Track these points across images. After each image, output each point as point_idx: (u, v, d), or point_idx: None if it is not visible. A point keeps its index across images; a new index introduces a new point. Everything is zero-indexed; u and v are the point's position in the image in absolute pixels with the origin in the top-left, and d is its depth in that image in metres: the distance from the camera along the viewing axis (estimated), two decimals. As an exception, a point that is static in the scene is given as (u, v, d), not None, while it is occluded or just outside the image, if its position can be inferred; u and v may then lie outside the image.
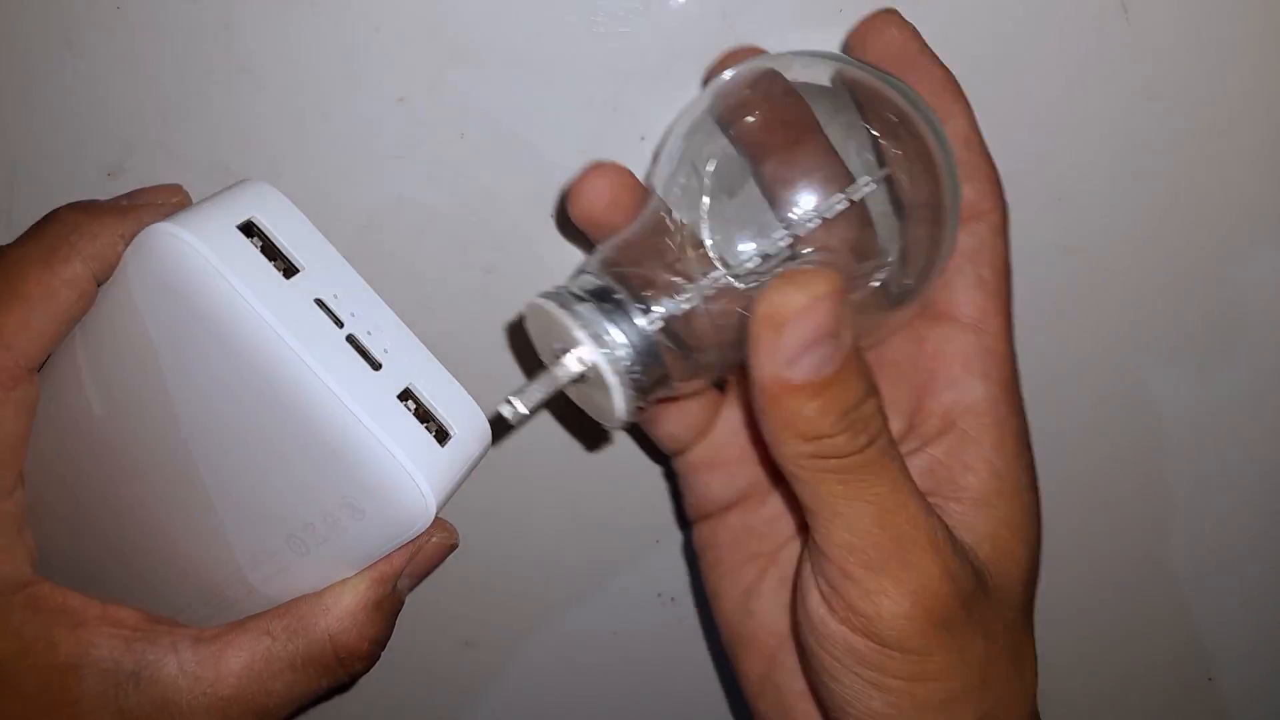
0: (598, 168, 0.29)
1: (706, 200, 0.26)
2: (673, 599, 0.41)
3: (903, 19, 0.29)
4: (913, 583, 0.24)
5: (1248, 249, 0.39)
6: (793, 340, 0.22)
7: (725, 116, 0.27)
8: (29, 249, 0.25)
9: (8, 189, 0.37)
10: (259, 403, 0.23)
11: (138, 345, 0.24)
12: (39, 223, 0.26)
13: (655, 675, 0.44)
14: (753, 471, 0.32)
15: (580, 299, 0.25)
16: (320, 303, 0.24)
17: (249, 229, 0.24)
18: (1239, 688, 0.43)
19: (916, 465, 0.26)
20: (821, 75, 0.27)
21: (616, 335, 0.24)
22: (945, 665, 0.24)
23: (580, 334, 0.24)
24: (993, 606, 0.26)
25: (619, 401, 0.25)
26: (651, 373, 0.25)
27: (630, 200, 0.29)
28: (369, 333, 0.24)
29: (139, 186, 0.37)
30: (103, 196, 0.37)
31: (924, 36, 0.36)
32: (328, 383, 0.23)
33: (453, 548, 0.28)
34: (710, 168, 0.27)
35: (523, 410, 0.25)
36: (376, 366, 0.24)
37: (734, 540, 0.32)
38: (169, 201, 0.27)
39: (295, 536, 0.25)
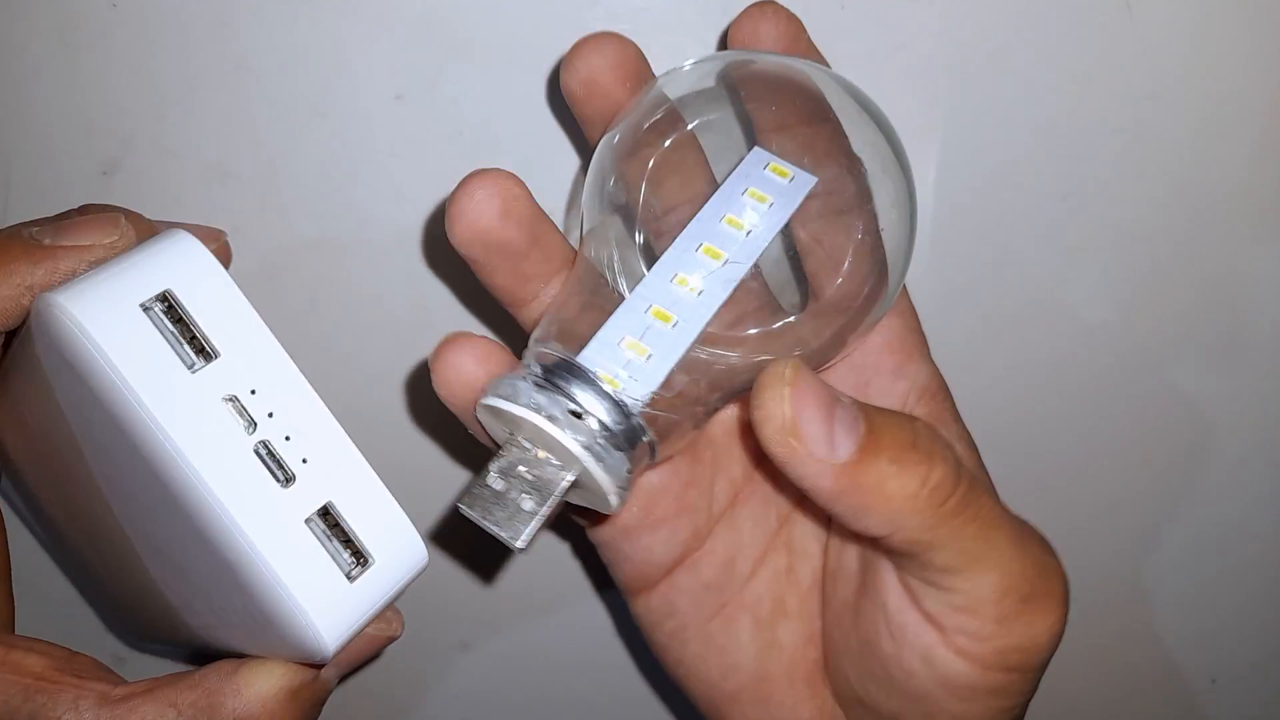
0: (479, 175, 0.26)
1: (640, 240, 0.26)
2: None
3: (783, 9, 0.28)
4: (1054, 591, 0.24)
5: (1253, 247, 0.39)
6: (814, 431, 0.21)
7: (627, 166, 0.26)
8: None
9: (3, 188, 0.37)
10: (158, 496, 0.21)
11: (51, 403, 0.23)
12: None
13: (655, 677, 0.44)
14: (692, 517, 0.29)
15: (552, 390, 0.22)
16: (234, 399, 0.21)
17: (164, 299, 0.21)
18: (1242, 691, 0.43)
19: None
20: (708, 79, 0.27)
21: (605, 442, 0.22)
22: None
23: (577, 449, 0.22)
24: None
25: (614, 500, 0.23)
26: (638, 455, 0.23)
27: (525, 212, 0.26)
28: (288, 437, 0.21)
29: (135, 184, 0.37)
30: (99, 196, 0.37)
31: (927, 35, 0.35)
32: (222, 502, 0.20)
33: (391, 639, 0.26)
34: (637, 211, 0.26)
35: (522, 546, 0.22)
36: (289, 480, 0.21)
37: (695, 602, 0.30)
38: (101, 243, 0.24)
39: (217, 610, 0.24)
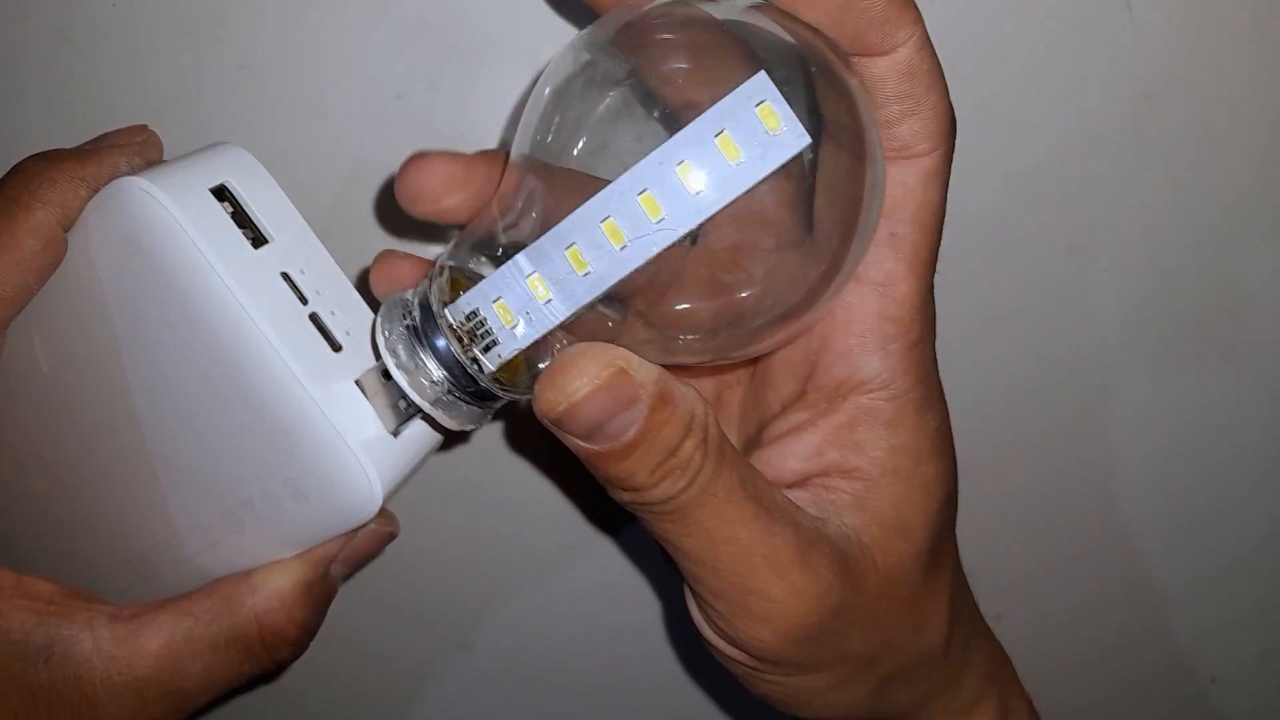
0: (413, 162, 0.26)
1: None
2: (673, 600, 0.41)
3: None
4: (761, 610, 0.23)
5: (1252, 247, 0.39)
6: (580, 426, 0.21)
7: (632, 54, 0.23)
8: None
9: (4, 187, 0.37)
10: (212, 370, 0.23)
11: (91, 300, 0.23)
12: (7, 174, 0.25)
13: (656, 677, 0.44)
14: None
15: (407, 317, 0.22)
16: (286, 277, 0.23)
17: (220, 193, 0.23)
18: (1242, 690, 0.43)
19: (807, 442, 0.25)
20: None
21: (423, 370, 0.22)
22: (822, 664, 0.25)
23: (423, 404, 0.23)
24: (870, 595, 0.24)
25: (461, 428, 0.23)
26: (487, 404, 0.23)
27: (467, 180, 0.25)
28: (333, 312, 0.24)
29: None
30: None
31: (928, 36, 0.35)
32: (286, 359, 0.22)
33: (392, 536, 0.27)
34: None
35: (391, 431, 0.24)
36: (337, 348, 0.23)
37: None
38: (133, 141, 0.25)
39: (232, 513, 0.25)
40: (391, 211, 0.37)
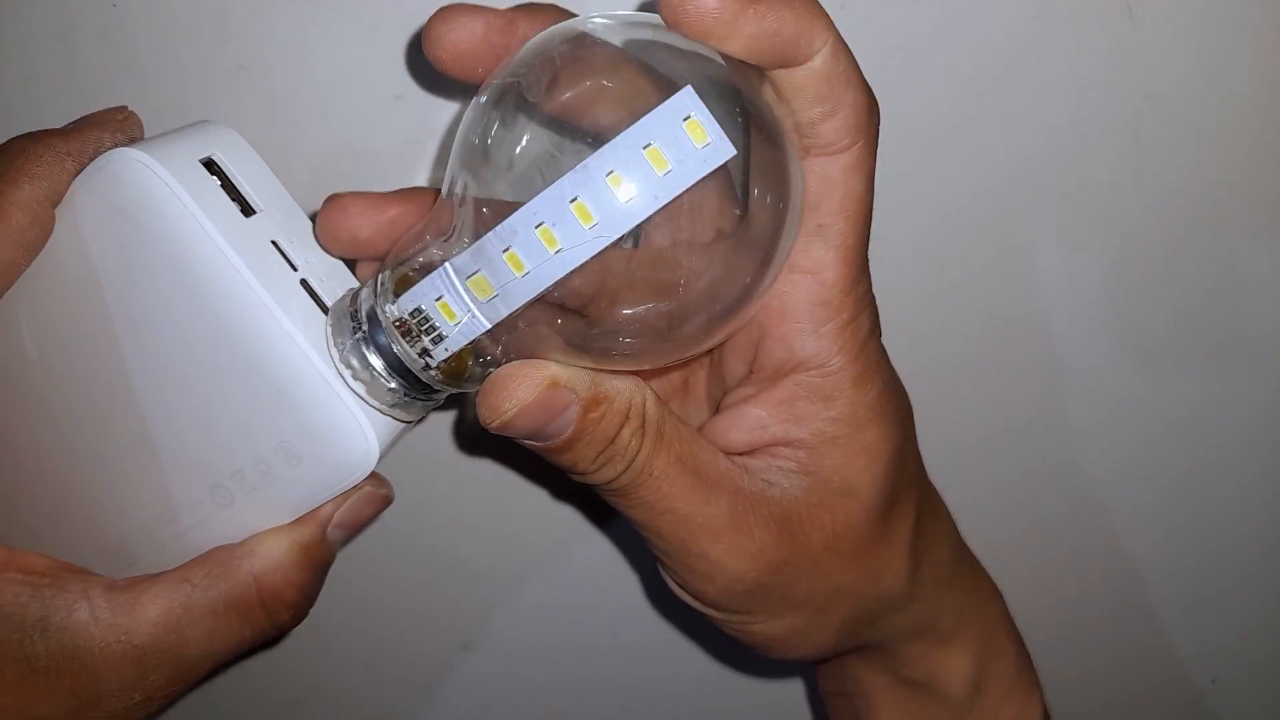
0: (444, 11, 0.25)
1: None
2: (671, 600, 0.41)
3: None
4: (703, 569, 0.26)
5: (1252, 247, 0.39)
6: (519, 434, 0.23)
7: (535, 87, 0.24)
8: None
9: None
10: (207, 336, 0.23)
11: (81, 271, 0.24)
12: None
13: (654, 677, 0.44)
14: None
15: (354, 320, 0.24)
16: (275, 244, 0.24)
17: (210, 166, 0.24)
18: (1243, 690, 0.43)
19: (753, 416, 0.27)
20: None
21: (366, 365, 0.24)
22: (777, 611, 0.27)
23: (360, 402, 0.24)
24: (813, 551, 0.27)
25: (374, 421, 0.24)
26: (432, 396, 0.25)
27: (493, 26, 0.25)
28: (321, 279, 0.24)
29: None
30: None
31: (927, 35, 0.35)
32: (283, 323, 0.23)
33: (387, 500, 0.27)
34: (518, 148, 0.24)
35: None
36: (328, 311, 0.24)
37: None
38: (115, 119, 0.25)
39: (220, 486, 0.25)
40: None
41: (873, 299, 0.27)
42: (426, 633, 0.43)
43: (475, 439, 0.40)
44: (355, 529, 0.27)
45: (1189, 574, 0.42)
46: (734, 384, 0.28)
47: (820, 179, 0.24)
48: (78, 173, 0.24)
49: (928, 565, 0.30)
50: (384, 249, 0.26)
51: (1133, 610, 0.42)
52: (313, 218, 0.26)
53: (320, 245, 0.26)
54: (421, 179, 0.37)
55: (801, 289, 0.25)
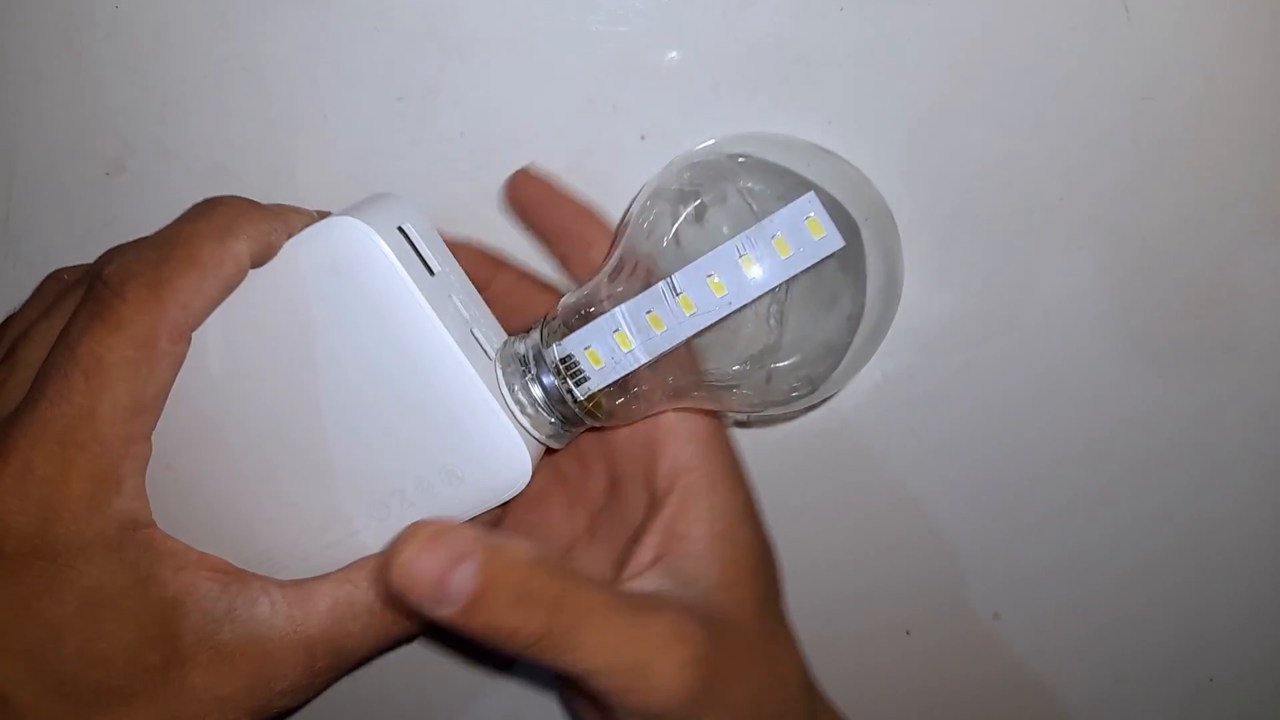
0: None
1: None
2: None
3: (536, 174, 0.35)
4: (648, 686, 0.27)
5: (1251, 247, 0.39)
6: (419, 599, 0.24)
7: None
8: (201, 225, 0.27)
9: (6, 188, 0.37)
10: (398, 374, 0.28)
11: (293, 317, 0.28)
12: (206, 203, 0.28)
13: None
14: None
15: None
16: (452, 298, 0.28)
17: (401, 232, 0.28)
18: (1240, 689, 0.43)
19: (655, 528, 0.30)
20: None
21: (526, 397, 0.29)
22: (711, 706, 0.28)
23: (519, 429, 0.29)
24: (731, 648, 0.29)
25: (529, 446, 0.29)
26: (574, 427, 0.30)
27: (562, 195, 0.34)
28: (482, 328, 0.29)
29: (138, 185, 0.37)
30: (103, 196, 0.37)
31: (925, 36, 0.36)
32: (464, 362, 0.27)
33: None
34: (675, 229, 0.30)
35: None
36: (489, 355, 0.29)
37: None
38: (311, 213, 0.29)
39: (380, 502, 0.29)
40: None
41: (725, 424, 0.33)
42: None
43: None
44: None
45: (1185, 572, 0.42)
46: (635, 515, 0.32)
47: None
48: (280, 240, 0.27)
49: (788, 662, 0.32)
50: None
51: (1128, 608, 0.42)
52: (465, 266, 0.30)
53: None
54: (421, 180, 0.37)
55: (673, 417, 0.31)
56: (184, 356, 0.27)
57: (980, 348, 0.39)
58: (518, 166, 0.36)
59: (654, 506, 0.31)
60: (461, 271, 0.30)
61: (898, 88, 0.36)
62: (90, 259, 0.29)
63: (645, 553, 0.30)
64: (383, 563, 0.26)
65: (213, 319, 0.28)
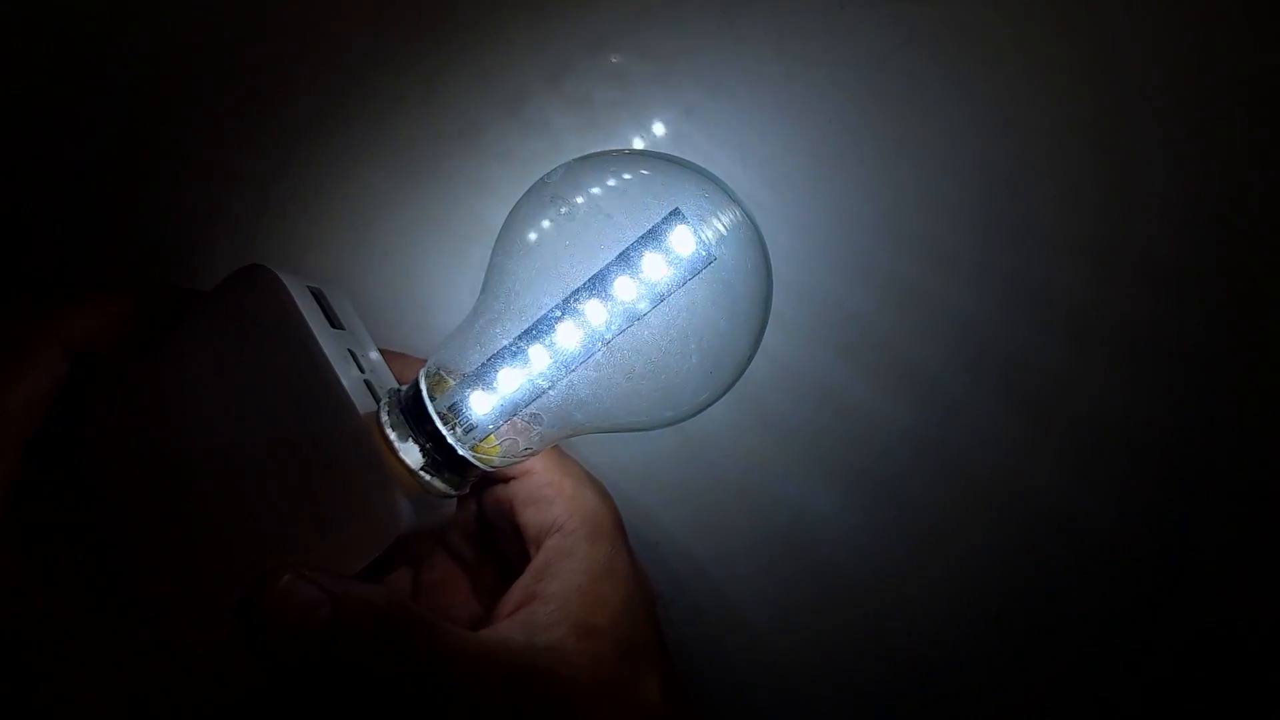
0: None
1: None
2: (671, 600, 0.41)
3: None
4: None
5: (1250, 247, 0.38)
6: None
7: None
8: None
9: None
10: (293, 419, 0.29)
11: (208, 356, 0.30)
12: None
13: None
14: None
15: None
16: (351, 353, 0.30)
17: (316, 293, 0.31)
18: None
19: (519, 584, 0.33)
20: None
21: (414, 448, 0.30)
22: None
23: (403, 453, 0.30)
24: (587, 693, 0.31)
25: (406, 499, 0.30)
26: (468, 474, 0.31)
27: None
28: (379, 382, 0.31)
29: (133, 185, 0.37)
30: (100, 197, 0.37)
31: (926, 36, 0.35)
32: (356, 410, 0.29)
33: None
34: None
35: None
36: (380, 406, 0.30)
37: None
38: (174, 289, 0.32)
39: (288, 539, 0.30)
40: (391, 210, 0.37)
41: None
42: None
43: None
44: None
45: (1187, 574, 0.42)
46: (516, 561, 0.34)
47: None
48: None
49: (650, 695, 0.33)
50: None
51: (1130, 610, 0.42)
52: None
53: None
54: (422, 180, 0.37)
55: (536, 478, 0.35)
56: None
57: (980, 348, 0.39)
58: (512, 167, 0.36)
59: (528, 561, 0.34)
60: (373, 344, 0.32)
61: (898, 88, 0.36)
62: None
63: (505, 606, 0.32)
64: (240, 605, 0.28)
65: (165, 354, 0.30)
